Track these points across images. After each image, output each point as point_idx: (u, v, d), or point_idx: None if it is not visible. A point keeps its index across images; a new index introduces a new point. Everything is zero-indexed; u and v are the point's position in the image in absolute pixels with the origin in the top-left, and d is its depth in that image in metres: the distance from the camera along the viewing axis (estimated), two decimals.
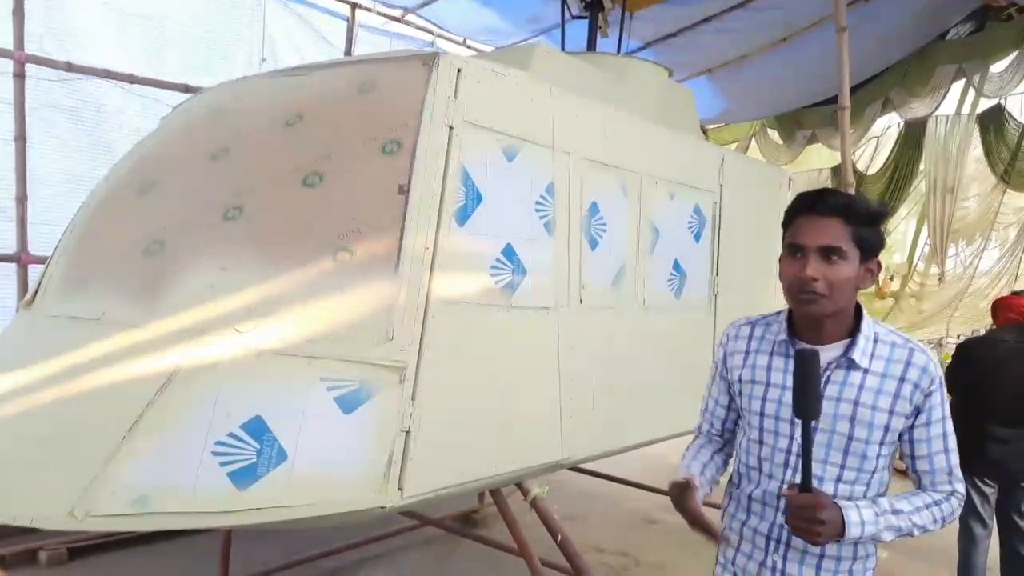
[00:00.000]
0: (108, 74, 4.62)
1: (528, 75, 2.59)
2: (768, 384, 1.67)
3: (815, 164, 9.10)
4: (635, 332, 3.08)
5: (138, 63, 4.79)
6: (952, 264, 8.31)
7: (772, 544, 1.67)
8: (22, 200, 4.28)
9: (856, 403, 1.56)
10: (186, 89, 4.78)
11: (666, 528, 5.37)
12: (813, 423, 1.50)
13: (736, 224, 3.76)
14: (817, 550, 1.60)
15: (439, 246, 2.17)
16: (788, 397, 1.54)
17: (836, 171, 8.48)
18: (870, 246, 1.56)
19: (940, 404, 1.58)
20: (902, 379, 1.55)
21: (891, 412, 1.56)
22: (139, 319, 1.97)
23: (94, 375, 1.88)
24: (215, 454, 1.79)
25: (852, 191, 4.44)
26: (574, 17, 4.64)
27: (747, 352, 1.74)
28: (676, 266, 3.32)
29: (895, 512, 1.54)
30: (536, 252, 2.57)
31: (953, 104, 7.68)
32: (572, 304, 2.73)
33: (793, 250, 1.57)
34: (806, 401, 1.44)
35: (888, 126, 8.62)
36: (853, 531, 1.49)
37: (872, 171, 8.39)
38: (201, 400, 1.84)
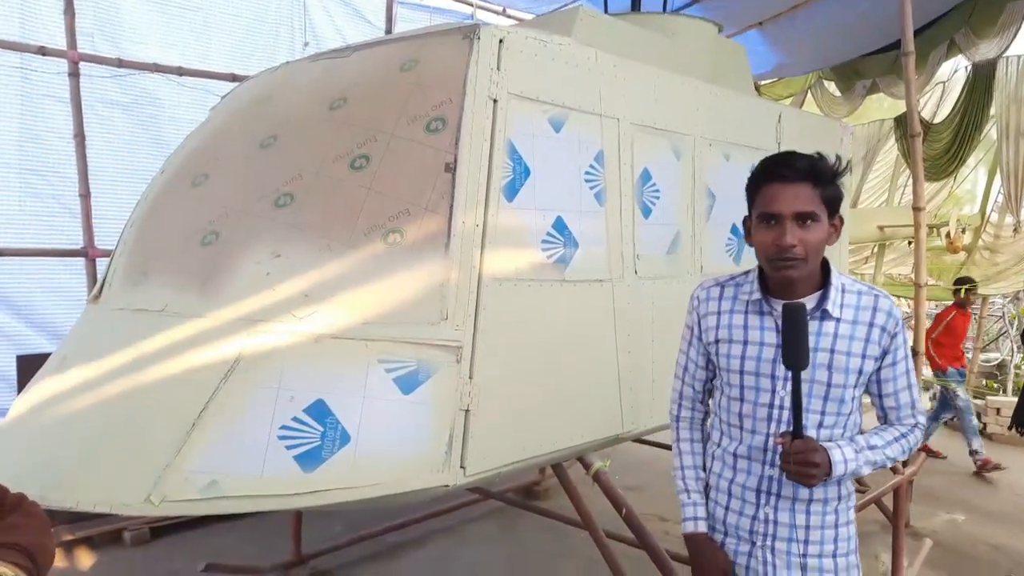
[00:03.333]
0: (157, 68, 4.72)
1: (571, 41, 2.51)
2: (746, 342, 1.72)
3: (876, 116, 8.71)
4: None
5: (186, 55, 4.87)
6: None
7: (763, 496, 1.72)
8: (85, 196, 4.42)
9: (832, 351, 1.64)
10: (233, 78, 4.84)
11: None
12: (784, 370, 1.60)
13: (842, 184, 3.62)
14: (805, 494, 1.68)
15: (489, 223, 2.14)
16: (767, 353, 1.67)
17: (899, 121, 8.09)
18: (835, 203, 1.64)
19: (903, 344, 1.68)
20: (871, 324, 1.64)
21: (863, 356, 1.64)
22: (200, 309, 2.01)
23: (160, 366, 1.93)
24: (281, 438, 1.83)
25: (919, 141, 4.21)
26: None
27: (719, 312, 1.79)
28: (734, 230, 3.22)
29: (871, 448, 1.65)
30: (587, 224, 2.51)
31: None
32: (627, 275, 2.68)
33: (767, 218, 1.62)
34: (797, 352, 1.53)
35: (955, 70, 8.15)
36: (838, 469, 1.59)
37: (939, 119, 7.97)
38: (264, 386, 1.87)
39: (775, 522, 1.71)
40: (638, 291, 2.72)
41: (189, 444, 1.79)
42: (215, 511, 1.79)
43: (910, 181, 6.54)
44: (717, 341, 1.78)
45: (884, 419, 1.76)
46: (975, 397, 7.29)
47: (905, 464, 3.99)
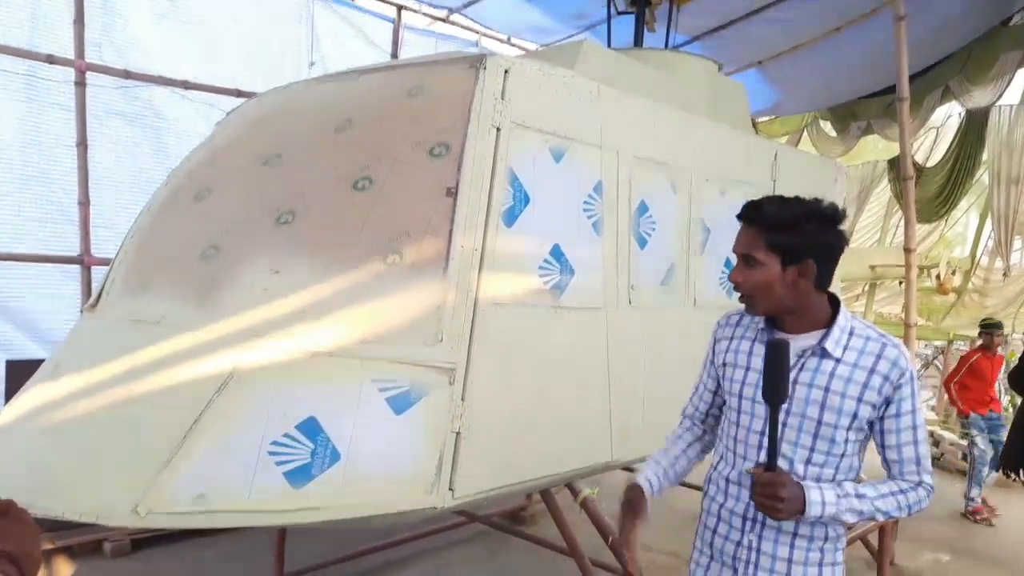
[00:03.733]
0: (164, 80, 4.77)
1: (575, 73, 2.56)
2: (748, 368, 1.77)
3: (870, 156, 8.84)
4: (686, 332, 3.03)
5: (192, 69, 4.92)
6: (1017, 258, 7.97)
7: (748, 523, 1.73)
8: (85, 204, 4.44)
9: (826, 390, 1.64)
10: (238, 94, 4.89)
11: None
12: (782, 408, 1.62)
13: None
14: (789, 527, 1.69)
15: (487, 248, 2.17)
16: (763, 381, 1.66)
17: (893, 163, 8.22)
18: (790, 249, 1.64)
19: (910, 397, 1.65)
20: (872, 370, 1.63)
21: (859, 400, 1.63)
22: (197, 322, 2.02)
23: (155, 377, 1.94)
24: (271, 454, 1.83)
25: (912, 184, 4.29)
26: (620, 12, 4.59)
27: (732, 338, 1.85)
28: (728, 264, 3.26)
29: (858, 496, 1.62)
30: (584, 252, 2.55)
31: (1017, 93, 7.34)
32: (621, 304, 2.70)
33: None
34: (774, 386, 1.56)
35: (948, 116, 8.30)
36: (814, 510, 1.58)
37: (932, 163, 8.10)
38: (257, 401, 1.88)
39: (758, 551, 1.71)
40: (631, 320, 2.75)
41: (179, 456, 1.79)
42: (202, 525, 1.79)
43: (902, 222, 6.64)
44: (724, 364, 1.85)
45: (888, 473, 1.72)
46: (962, 438, 7.30)
47: None
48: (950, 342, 9.75)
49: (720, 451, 1.86)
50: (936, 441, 7.44)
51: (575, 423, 2.53)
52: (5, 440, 2.03)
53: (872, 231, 9.53)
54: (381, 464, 1.94)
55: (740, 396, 1.77)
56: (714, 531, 1.81)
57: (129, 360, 1.97)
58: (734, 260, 3.41)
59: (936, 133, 8.54)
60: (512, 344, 2.28)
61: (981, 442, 6.01)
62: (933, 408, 9.15)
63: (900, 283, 7.85)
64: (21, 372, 3.74)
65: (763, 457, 1.68)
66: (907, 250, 4.25)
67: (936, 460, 7.24)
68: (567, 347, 2.49)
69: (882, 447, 1.69)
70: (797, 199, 1.68)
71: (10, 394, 4.01)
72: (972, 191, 8.07)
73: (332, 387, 1.95)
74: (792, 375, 1.65)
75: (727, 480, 1.79)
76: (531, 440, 2.36)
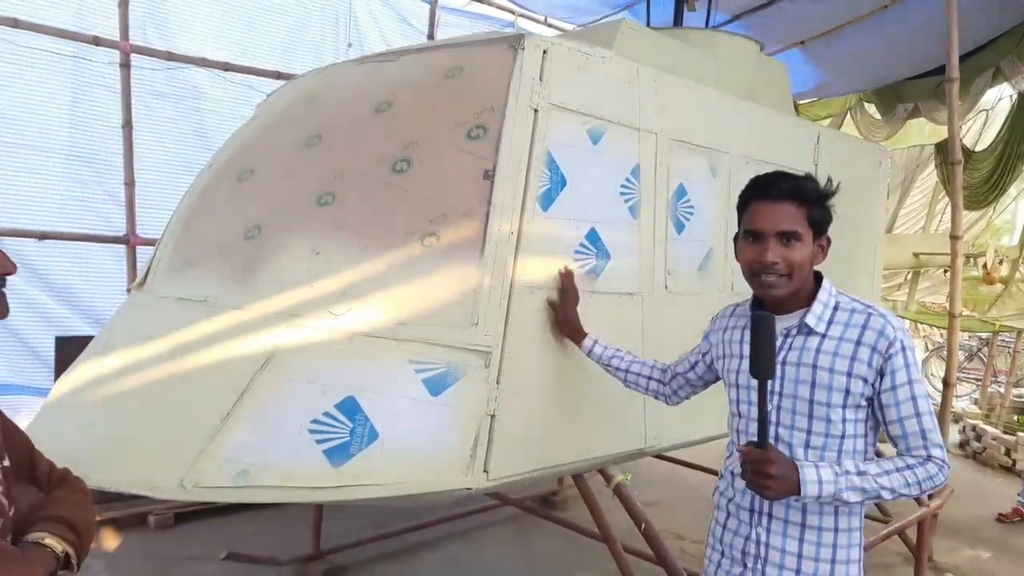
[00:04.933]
0: (205, 62, 4.83)
1: (613, 54, 2.53)
2: (741, 356, 1.77)
3: (916, 140, 8.59)
4: None
5: (232, 51, 4.98)
6: None
7: (755, 516, 1.71)
8: (130, 184, 4.54)
9: (814, 366, 1.62)
10: (278, 76, 4.94)
11: None
12: (775, 391, 1.62)
13: (831, 203, 3.59)
14: (797, 518, 1.64)
15: (523, 231, 2.17)
16: None
17: (939, 148, 7.97)
18: (821, 224, 1.68)
19: (904, 367, 1.58)
20: (858, 342, 1.60)
21: (849, 374, 1.59)
22: (240, 301, 2.06)
23: (200, 354, 1.99)
24: (311, 432, 1.87)
25: (960, 169, 4.16)
26: None
27: (724, 328, 1.88)
28: None
29: (859, 474, 1.53)
30: (621, 236, 2.53)
31: None
32: (657, 290, 2.68)
33: (751, 236, 1.67)
34: (760, 360, 1.51)
35: (999, 98, 8.00)
36: (809, 489, 1.51)
37: (980, 147, 7.83)
38: (298, 380, 1.92)
39: (767, 544, 1.68)
40: (667, 306, 2.72)
41: (223, 432, 1.84)
42: (244, 499, 1.83)
43: (948, 208, 6.44)
44: (721, 356, 1.86)
45: (896, 451, 1.66)
46: (1005, 432, 7.11)
47: (931, 496, 3.93)
48: (996, 333, 9.48)
49: (729, 447, 1.87)
50: (979, 435, 7.25)
51: (609, 409, 2.52)
52: (59, 413, 2.10)
53: (916, 218, 9.29)
54: (418, 444, 1.97)
55: (737, 385, 1.78)
56: (724, 526, 1.80)
57: (175, 338, 2.03)
58: None
59: (986, 116, 8.25)
60: (547, 328, 2.28)
61: None
62: (976, 401, 8.92)
63: (945, 272, 7.64)
64: (70, 348, 3.86)
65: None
66: (953, 237, 4.13)
67: (978, 455, 7.06)
68: (602, 332, 2.48)
69: (885, 423, 1.63)
70: (806, 175, 1.69)
71: (59, 368, 4.15)
72: (1022, 177, 7.78)
73: (370, 367, 1.97)
74: (780, 356, 1.63)
75: (732, 473, 1.78)
76: (565, 424, 2.36)
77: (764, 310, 1.67)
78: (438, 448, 1.99)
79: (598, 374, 2.49)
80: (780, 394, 1.66)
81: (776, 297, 1.65)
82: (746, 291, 3.08)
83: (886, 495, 1.56)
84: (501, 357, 2.11)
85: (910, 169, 8.72)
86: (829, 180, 1.70)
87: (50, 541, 1.13)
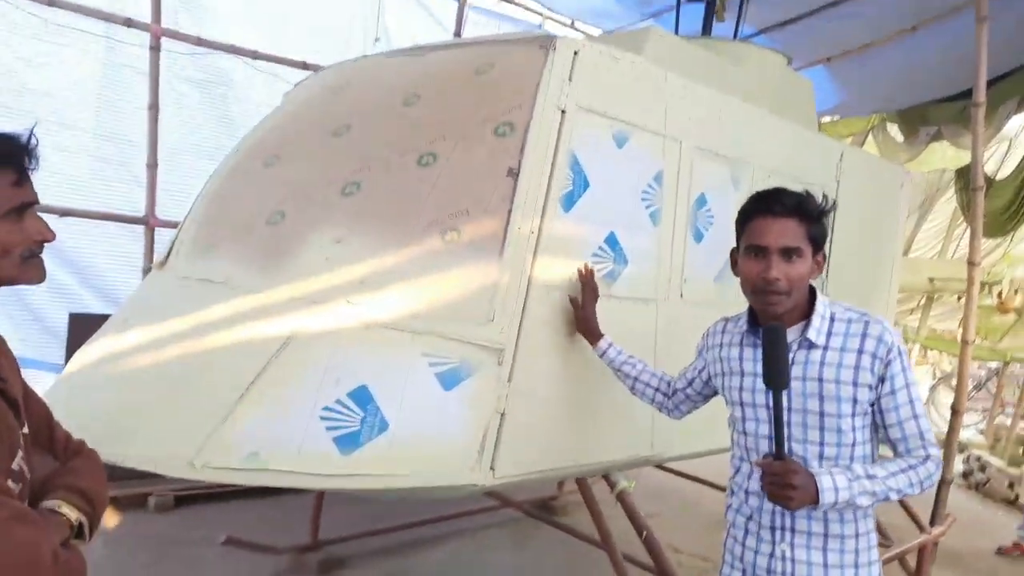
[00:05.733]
0: (234, 49, 4.86)
1: (642, 59, 2.53)
2: (742, 374, 1.77)
3: (937, 165, 8.52)
4: None
5: (261, 40, 5.01)
6: None
7: (778, 533, 1.71)
8: (153, 167, 4.57)
9: (820, 379, 1.64)
10: (304, 66, 4.96)
11: None
12: (785, 396, 1.60)
13: (851, 222, 3.57)
14: (819, 528, 1.66)
15: (543, 231, 2.17)
16: (760, 384, 1.67)
17: (961, 173, 7.91)
18: (819, 240, 1.69)
19: (902, 371, 1.63)
20: (860, 351, 1.63)
21: (855, 384, 1.62)
22: (260, 285, 2.07)
23: (217, 335, 2.00)
24: (323, 419, 1.87)
25: (981, 194, 4.13)
26: (689, 0, 4.50)
27: (721, 345, 1.87)
28: None
29: (869, 477, 1.59)
30: (639, 242, 2.52)
31: None
32: (672, 297, 2.67)
33: (754, 251, 1.67)
34: (775, 371, 1.54)
35: (1022, 126, 7.95)
36: (827, 496, 1.54)
37: (1002, 175, 7.77)
38: (312, 366, 1.92)
39: (793, 560, 1.68)
40: (682, 314, 2.72)
41: (236, 414, 1.85)
42: (253, 482, 1.84)
43: (966, 234, 6.40)
44: (720, 373, 1.86)
45: (894, 452, 1.71)
46: (1010, 465, 7.04)
47: (932, 523, 3.89)
48: (1006, 363, 9.40)
49: (735, 463, 1.86)
50: (983, 466, 7.18)
51: (618, 414, 2.52)
52: (75, 386, 2.12)
53: (933, 242, 9.23)
54: (427, 437, 1.97)
55: (741, 403, 1.78)
56: (743, 544, 1.78)
57: (194, 318, 2.04)
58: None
59: (1009, 144, 8.20)
60: (561, 330, 2.28)
61: None
62: (982, 432, 8.84)
63: (959, 298, 7.59)
64: (83, 325, 3.90)
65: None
66: (971, 263, 4.09)
67: (981, 486, 6.99)
68: (616, 337, 2.47)
69: (884, 427, 1.67)
70: (804, 191, 1.70)
71: (72, 345, 4.18)
72: None
73: (385, 358, 1.98)
74: None
75: (747, 492, 1.78)
76: (573, 427, 2.36)
77: (760, 327, 1.70)
78: (447, 443, 1.99)
79: (608, 379, 2.48)
80: (790, 409, 1.67)
81: (776, 313, 1.66)
82: None
83: (892, 496, 1.62)
84: (514, 356, 2.11)
85: (930, 193, 8.68)
86: (825, 197, 1.72)
87: (66, 509, 1.13)
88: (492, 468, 2.07)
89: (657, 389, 2.15)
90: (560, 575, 4.18)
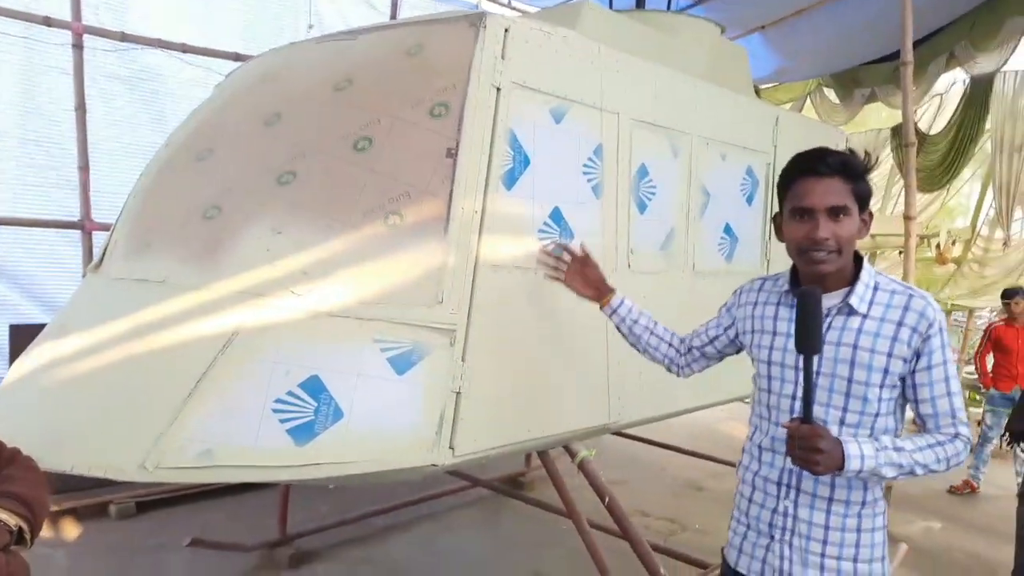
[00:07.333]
0: (161, 43, 4.72)
1: (576, 34, 2.54)
2: (775, 333, 1.76)
3: (873, 124, 8.77)
4: (684, 297, 3.04)
5: (190, 33, 4.87)
6: (1018, 228, 7.96)
7: (783, 489, 1.72)
8: (84, 168, 4.42)
9: (855, 346, 1.63)
10: (237, 57, 4.84)
11: (713, 495, 5.38)
12: (815, 360, 1.57)
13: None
14: (825, 492, 1.66)
15: (487, 210, 2.17)
16: (792, 344, 1.62)
17: (896, 131, 8.16)
18: (865, 198, 1.66)
19: (940, 348, 1.62)
20: (900, 323, 1.61)
21: (889, 355, 1.61)
22: (200, 281, 2.03)
23: (160, 335, 1.96)
24: (275, 411, 1.86)
25: (913, 150, 4.27)
26: None
27: (755, 303, 1.85)
28: (727, 230, 3.26)
29: (896, 449, 1.57)
30: (584, 215, 2.55)
31: (1022, 59, 7.27)
32: (620, 268, 2.71)
33: (800, 213, 1.64)
34: (807, 336, 1.51)
35: (952, 83, 8.22)
36: (852, 463, 1.53)
37: (935, 131, 8.04)
38: (261, 360, 1.90)
39: (794, 517, 1.69)
40: (630, 285, 2.76)
41: (185, 413, 1.82)
42: (208, 479, 1.82)
43: (903, 191, 6.61)
44: (751, 331, 1.84)
45: (923, 428, 1.68)
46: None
47: None
48: (948, 313, 9.78)
49: (753, 422, 1.85)
50: None
51: (574, 385, 2.56)
52: (14, 396, 2.06)
53: (872, 200, 9.50)
54: (383, 423, 1.97)
55: (769, 362, 1.76)
56: (749, 499, 1.79)
57: (134, 319, 1.99)
58: (735, 225, 3.41)
59: (940, 100, 8.47)
60: (512, 306, 2.30)
61: (989, 419, 5.90)
62: None
63: (900, 253, 7.84)
64: (25, 336, 3.76)
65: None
66: (907, 218, 4.24)
67: None
68: (566, 310, 2.51)
69: (916, 401, 1.66)
70: (848, 150, 1.70)
71: (14, 357, 4.04)
72: (975, 160, 8.01)
73: (335, 347, 1.97)
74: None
75: (760, 447, 1.78)
76: (530, 401, 2.39)
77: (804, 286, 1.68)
78: (403, 426, 2.00)
79: (564, 351, 2.52)
80: (819, 372, 1.65)
81: (825, 273, 1.63)
82: (708, 270, 3.18)
83: (919, 470, 1.60)
84: (466, 335, 2.12)
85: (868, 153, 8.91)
86: (867, 155, 1.70)
87: (3, 515, 1.12)
88: (451, 447, 2.08)
89: (670, 344, 2.11)
90: (532, 548, 4.25)
